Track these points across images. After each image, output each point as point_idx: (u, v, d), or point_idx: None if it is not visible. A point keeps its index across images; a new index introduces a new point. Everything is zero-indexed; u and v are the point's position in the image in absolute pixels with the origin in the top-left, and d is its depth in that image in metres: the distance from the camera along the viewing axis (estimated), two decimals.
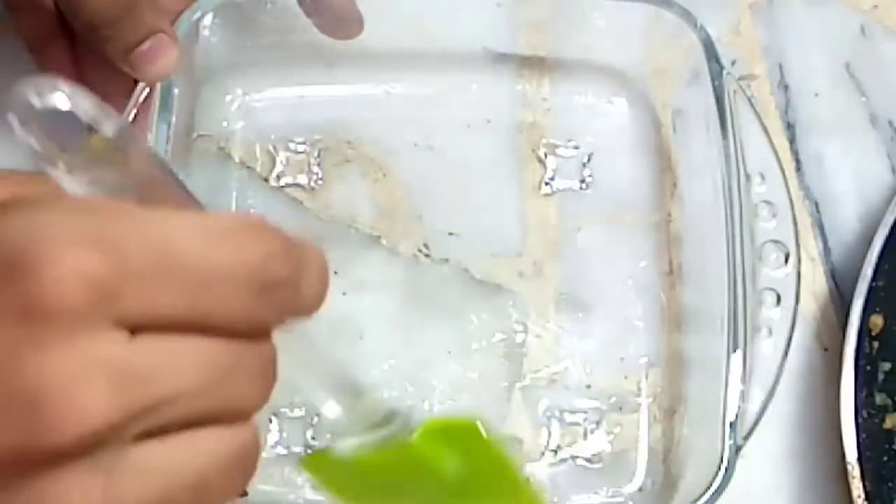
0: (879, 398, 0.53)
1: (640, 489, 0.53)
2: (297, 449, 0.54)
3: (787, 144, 0.60)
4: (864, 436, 0.52)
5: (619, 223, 0.58)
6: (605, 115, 0.60)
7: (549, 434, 0.54)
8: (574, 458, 0.54)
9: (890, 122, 0.61)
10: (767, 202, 0.52)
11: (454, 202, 0.58)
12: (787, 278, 0.51)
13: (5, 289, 0.25)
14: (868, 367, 0.53)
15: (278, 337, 0.30)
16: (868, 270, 0.54)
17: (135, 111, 0.51)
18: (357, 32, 0.57)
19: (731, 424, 0.48)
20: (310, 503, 0.52)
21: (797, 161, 0.60)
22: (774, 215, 0.52)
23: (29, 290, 0.25)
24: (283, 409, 0.54)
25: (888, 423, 0.53)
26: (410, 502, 0.38)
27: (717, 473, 0.48)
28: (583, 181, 0.59)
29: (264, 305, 0.28)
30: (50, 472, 0.25)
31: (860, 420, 0.52)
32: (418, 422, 0.36)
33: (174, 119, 0.52)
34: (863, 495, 0.50)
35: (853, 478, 0.51)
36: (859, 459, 0.51)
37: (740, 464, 0.48)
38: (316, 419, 0.54)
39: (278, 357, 0.30)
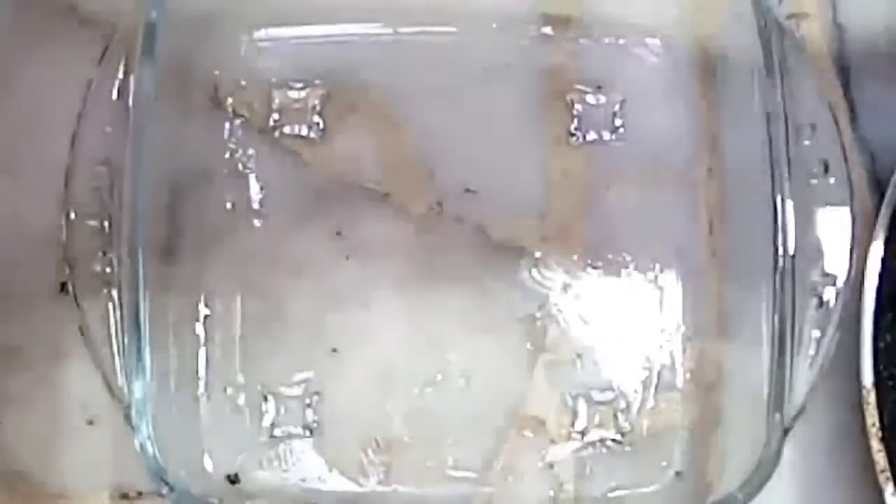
0: None
1: (678, 474, 0.52)
2: (296, 430, 0.53)
3: (840, 91, 0.58)
4: (883, 363, 0.51)
5: (653, 179, 0.55)
6: (639, 58, 0.57)
7: (576, 414, 0.53)
8: (603, 440, 0.53)
9: None
10: (818, 156, 0.50)
11: (470, 156, 0.55)
12: (840, 240, 0.49)
13: None
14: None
15: None
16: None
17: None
18: None
19: (777, 403, 0.47)
20: (307, 491, 0.52)
21: (852, 110, 0.58)
22: (826, 170, 0.50)
23: None
24: (280, 388, 0.53)
25: None
26: None
27: (762, 458, 0.47)
28: (614, 132, 0.56)
29: None
30: None
31: (881, 344, 0.51)
32: None
33: (159, 64, 0.50)
34: (877, 424, 0.50)
35: (867, 404, 0.50)
36: (876, 385, 0.50)
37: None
38: (316, 398, 0.53)
39: None
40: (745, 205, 0.52)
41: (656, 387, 0.53)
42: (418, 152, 0.56)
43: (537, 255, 0.55)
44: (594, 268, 0.54)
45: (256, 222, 0.54)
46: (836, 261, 0.49)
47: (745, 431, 0.49)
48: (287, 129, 0.56)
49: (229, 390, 0.53)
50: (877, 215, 0.52)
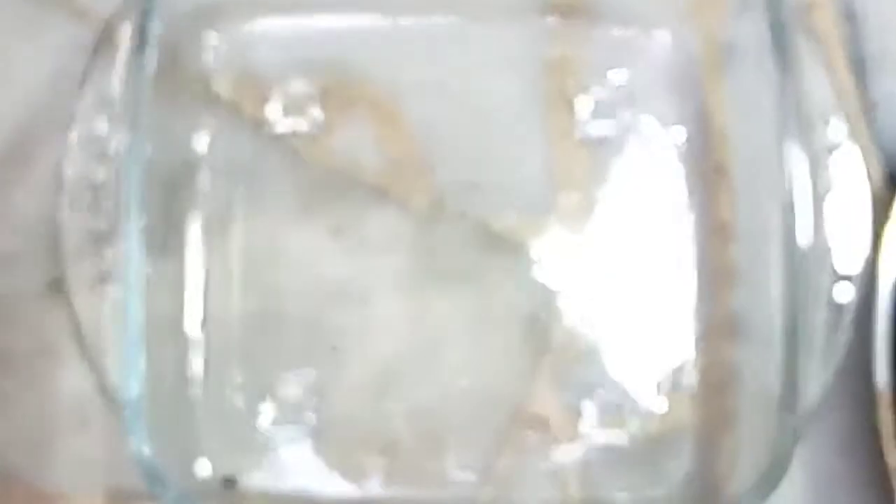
0: None
1: (687, 476, 0.52)
2: (295, 432, 0.53)
3: (854, 83, 0.57)
4: None
5: (661, 173, 0.55)
6: (646, 49, 0.56)
7: (581, 415, 0.53)
8: (609, 442, 0.53)
9: None
10: (831, 150, 0.49)
11: (472, 150, 0.55)
12: (852, 237, 0.49)
13: None
14: None
15: None
16: None
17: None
18: None
19: (789, 403, 0.47)
20: (306, 493, 0.52)
21: (865, 103, 0.57)
22: (839, 165, 0.49)
23: None
24: (278, 387, 0.53)
25: None
26: None
27: (773, 459, 0.47)
28: (619, 125, 0.56)
29: None
30: None
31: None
32: None
33: (153, 58, 0.49)
34: (892, 430, 0.50)
35: (880, 404, 0.50)
36: (892, 385, 0.50)
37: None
38: (315, 398, 0.53)
39: None
40: (756, 201, 0.52)
41: (665, 387, 0.53)
42: (419, 146, 0.55)
43: (541, 251, 0.54)
44: (600, 263, 0.54)
45: (254, 218, 0.54)
46: (849, 258, 0.49)
47: (756, 432, 0.49)
48: (285, 123, 0.55)
49: (227, 390, 0.52)
50: (891, 210, 0.52)
